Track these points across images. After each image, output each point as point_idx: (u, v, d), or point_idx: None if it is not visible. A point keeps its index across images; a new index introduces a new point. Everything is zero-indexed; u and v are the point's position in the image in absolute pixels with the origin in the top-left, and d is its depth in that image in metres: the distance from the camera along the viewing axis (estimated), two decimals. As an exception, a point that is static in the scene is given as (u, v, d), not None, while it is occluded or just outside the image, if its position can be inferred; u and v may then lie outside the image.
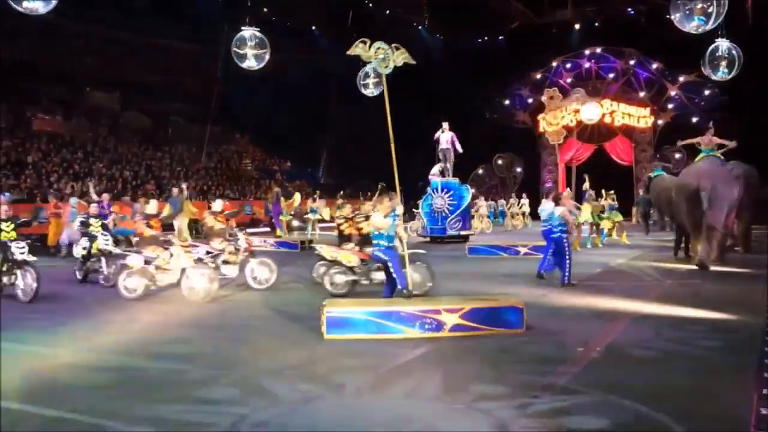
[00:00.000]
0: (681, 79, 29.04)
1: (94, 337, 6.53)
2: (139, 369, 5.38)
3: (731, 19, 16.14)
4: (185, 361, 5.57)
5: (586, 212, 16.03)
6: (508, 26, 32.94)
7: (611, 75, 30.50)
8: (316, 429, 4.04)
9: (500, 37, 33.96)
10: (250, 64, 18.13)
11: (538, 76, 32.09)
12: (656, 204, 15.30)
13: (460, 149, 18.45)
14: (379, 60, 7.75)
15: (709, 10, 15.03)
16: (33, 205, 17.50)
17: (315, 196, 22.52)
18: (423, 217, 19.12)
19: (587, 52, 30.73)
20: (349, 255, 8.91)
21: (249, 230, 14.53)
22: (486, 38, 34.39)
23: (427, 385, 4.83)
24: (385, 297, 7.42)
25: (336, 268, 8.90)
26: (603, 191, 17.62)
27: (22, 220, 9.80)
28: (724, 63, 17.48)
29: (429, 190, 18.80)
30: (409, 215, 19.83)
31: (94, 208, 11.35)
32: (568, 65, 31.45)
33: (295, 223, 21.67)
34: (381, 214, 7.25)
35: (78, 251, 10.59)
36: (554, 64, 31.58)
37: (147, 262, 8.89)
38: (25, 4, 11.64)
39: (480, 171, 33.37)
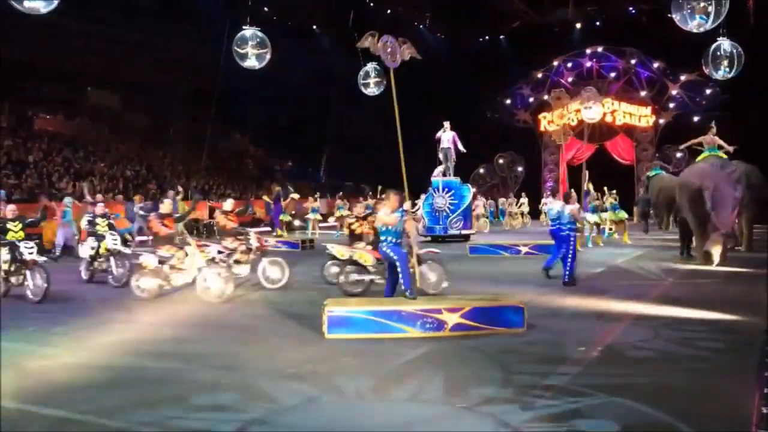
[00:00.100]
0: (682, 78, 28.98)
1: (98, 337, 6.52)
2: (143, 368, 5.38)
3: (732, 18, 16.12)
4: (188, 361, 5.57)
5: (593, 216, 16.22)
6: (509, 25, 32.85)
7: (612, 74, 30.44)
8: (316, 429, 4.04)
9: (501, 37, 33.88)
10: (251, 63, 18.10)
11: (540, 75, 32.06)
12: (654, 203, 15.28)
13: (462, 149, 18.43)
14: (386, 53, 7.74)
15: (710, 9, 15.01)
16: (35, 204, 17.43)
17: (315, 195, 22.53)
18: (424, 217, 19.11)
19: (588, 51, 30.66)
20: (365, 254, 8.90)
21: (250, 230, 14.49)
22: (487, 37, 34.30)
23: (428, 384, 4.83)
24: (386, 297, 7.39)
25: (351, 268, 8.86)
26: (605, 188, 17.64)
27: (30, 219, 9.68)
28: (725, 62, 17.48)
29: (430, 189, 18.81)
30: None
31: (99, 208, 11.21)
32: (570, 64, 31.38)
33: (297, 222, 21.67)
34: (388, 209, 7.21)
35: (85, 251, 10.52)
36: (555, 63, 31.53)
37: (161, 261, 8.84)
38: (26, 3, 11.57)
39: (481, 170, 33.34)
